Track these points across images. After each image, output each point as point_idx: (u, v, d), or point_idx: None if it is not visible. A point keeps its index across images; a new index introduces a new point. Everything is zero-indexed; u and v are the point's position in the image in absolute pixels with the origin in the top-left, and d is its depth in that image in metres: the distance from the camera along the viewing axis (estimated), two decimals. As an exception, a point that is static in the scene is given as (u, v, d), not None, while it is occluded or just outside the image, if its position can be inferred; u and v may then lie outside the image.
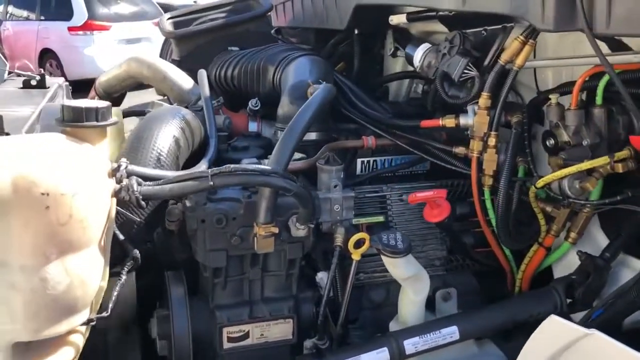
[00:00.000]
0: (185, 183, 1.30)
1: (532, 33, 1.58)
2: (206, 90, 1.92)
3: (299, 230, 1.51)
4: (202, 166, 1.53)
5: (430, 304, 1.76)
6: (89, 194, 1.19)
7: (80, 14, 9.69)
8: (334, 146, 1.85)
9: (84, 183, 1.18)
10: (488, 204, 1.76)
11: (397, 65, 2.63)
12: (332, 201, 1.62)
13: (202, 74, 2.00)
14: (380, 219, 1.86)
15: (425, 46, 1.95)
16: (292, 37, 3.25)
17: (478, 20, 1.82)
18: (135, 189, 1.25)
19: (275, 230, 1.43)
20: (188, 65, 2.67)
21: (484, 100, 1.68)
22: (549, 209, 1.71)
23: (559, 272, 1.86)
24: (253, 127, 2.31)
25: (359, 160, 1.94)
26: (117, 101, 2.64)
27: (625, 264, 1.71)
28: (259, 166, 1.35)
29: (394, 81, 2.65)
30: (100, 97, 2.56)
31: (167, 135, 1.51)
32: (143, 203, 1.27)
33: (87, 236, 1.20)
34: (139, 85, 2.56)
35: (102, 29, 9.77)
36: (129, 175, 1.29)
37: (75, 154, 1.22)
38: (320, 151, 1.78)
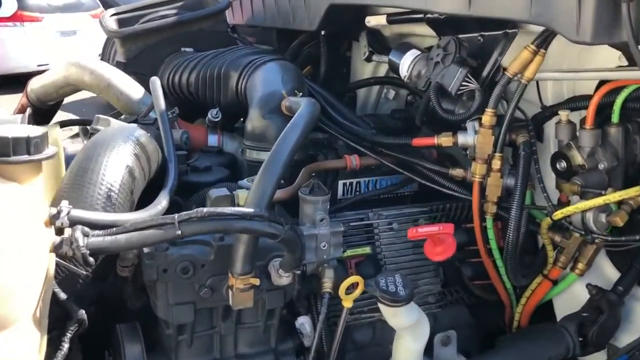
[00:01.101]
0: (146, 232, 1.03)
1: (544, 41, 1.38)
2: (161, 103, 1.63)
3: (282, 278, 1.26)
4: (162, 201, 1.26)
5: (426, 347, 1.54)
6: (18, 254, 0.90)
7: (9, 3, 8.98)
8: (315, 168, 1.60)
9: (12, 240, 0.90)
10: (490, 234, 1.56)
11: (366, 69, 2.41)
12: (319, 238, 1.37)
13: (156, 82, 1.71)
14: (367, 250, 1.62)
15: (413, 53, 1.72)
16: (250, 36, 2.97)
17: (474, 24, 1.61)
18: (81, 242, 0.97)
19: (256, 282, 1.17)
20: (135, 68, 2.36)
21: (488, 117, 1.47)
22: (557, 238, 1.52)
23: (560, 304, 1.68)
24: (213, 140, 2.04)
25: (340, 182, 1.70)
26: (52, 110, 2.30)
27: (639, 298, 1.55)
28: (239, 209, 1.09)
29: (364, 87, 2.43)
30: (33, 105, 2.21)
31: (118, 165, 1.22)
32: (91, 259, 0.99)
33: (16, 310, 0.92)
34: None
35: (33, 20, 9.11)
36: (73, 223, 1.01)
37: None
38: (301, 175, 1.53)
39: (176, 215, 1.03)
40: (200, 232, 1.06)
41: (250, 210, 1.09)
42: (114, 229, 1.04)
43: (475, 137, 1.53)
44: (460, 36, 1.64)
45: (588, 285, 1.51)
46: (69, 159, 1.73)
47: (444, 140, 1.56)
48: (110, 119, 1.60)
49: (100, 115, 1.59)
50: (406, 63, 1.71)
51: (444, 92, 1.58)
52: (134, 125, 1.45)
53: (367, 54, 2.17)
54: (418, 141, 1.61)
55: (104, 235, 1.02)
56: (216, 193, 1.32)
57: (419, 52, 1.72)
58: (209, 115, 2.03)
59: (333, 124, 1.79)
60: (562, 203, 1.51)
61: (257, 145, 1.67)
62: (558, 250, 1.55)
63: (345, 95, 2.48)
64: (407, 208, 1.69)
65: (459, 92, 1.54)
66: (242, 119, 2.08)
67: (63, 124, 2.16)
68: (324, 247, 1.37)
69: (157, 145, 1.43)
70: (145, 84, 2.29)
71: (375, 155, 1.68)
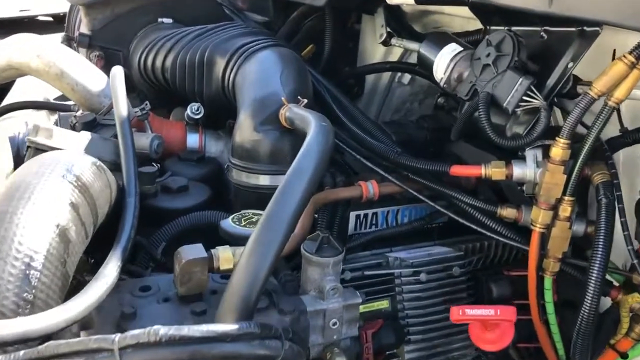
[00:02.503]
0: (69, 363, 0.66)
1: (648, 51, 1.00)
2: (123, 108, 1.24)
3: (277, 384, 0.90)
4: (108, 274, 0.88)
5: None
6: None
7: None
8: (321, 200, 1.23)
9: None
10: (548, 296, 1.20)
11: (378, 48, 2.02)
12: (328, 314, 1.01)
13: (116, 76, 1.31)
14: (385, 304, 1.27)
15: (452, 49, 1.32)
16: (242, 2, 2.53)
17: (534, 14, 1.22)
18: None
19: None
20: (102, 42, 1.95)
21: (560, 150, 1.09)
22: (636, 305, 1.17)
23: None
24: (193, 140, 1.65)
25: (352, 214, 1.33)
26: (-1, 92, 1.91)
27: None
28: (213, 328, 0.71)
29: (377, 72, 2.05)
30: (-25, 87, 1.82)
31: (44, 226, 0.84)
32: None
33: None
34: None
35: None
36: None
37: None
38: (304, 214, 1.15)
39: (117, 338, 0.66)
40: (154, 365, 0.69)
41: (232, 326, 0.72)
42: (21, 354, 0.67)
43: (537, 171, 1.16)
44: (514, 29, 1.25)
45: (668, 364, 1.18)
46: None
47: (495, 172, 1.19)
48: (54, 128, 1.20)
49: (40, 125, 1.19)
50: (443, 62, 1.32)
51: (493, 103, 1.20)
52: (76, 152, 1.06)
53: (384, 35, 1.77)
54: (458, 170, 1.23)
55: (4, 365, 0.65)
56: (188, 254, 0.94)
57: (459, 48, 1.32)
58: (189, 110, 1.63)
59: (345, 132, 1.41)
60: (644, 259, 1.15)
61: (247, 166, 1.29)
62: (633, 318, 1.20)
63: (351, 77, 2.11)
64: (437, 250, 1.32)
65: (517, 109, 1.16)
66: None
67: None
68: (334, 325, 1.01)
69: (108, 181, 1.04)
70: (113, 60, 1.89)
71: (399, 182, 1.31)
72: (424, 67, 1.41)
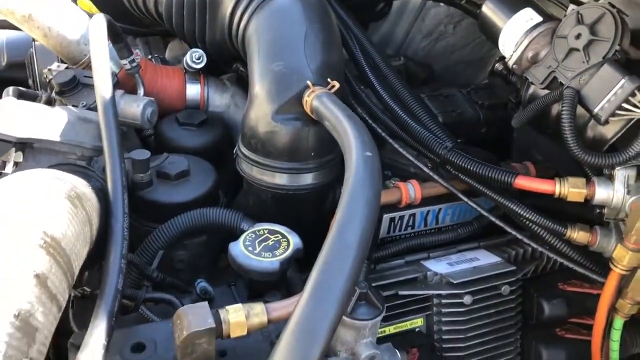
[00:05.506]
0: None
1: None
2: (106, 89, 0.97)
3: None
4: (97, 343, 0.68)
5: None
6: None
7: None
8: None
9: None
10: (616, 336, 1.02)
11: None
12: (362, 384, 0.82)
13: (97, 23, 1.03)
14: (419, 322, 1.10)
15: (528, 17, 1.02)
16: None
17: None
18: None
19: None
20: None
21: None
22: None
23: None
24: (194, 92, 1.40)
25: (386, 217, 1.11)
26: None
27: None
28: None
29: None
30: None
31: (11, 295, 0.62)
32: None
33: None
34: None
35: None
36: None
37: None
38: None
39: None
40: None
41: None
42: None
43: (627, 198, 0.92)
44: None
45: None
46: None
47: (573, 193, 0.95)
48: (12, 104, 0.94)
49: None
50: (515, 34, 1.03)
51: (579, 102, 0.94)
52: (51, 180, 0.79)
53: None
54: (525, 183, 0.99)
55: None
56: (190, 323, 0.74)
57: (538, 18, 1.02)
58: (188, 58, 1.35)
59: (389, 118, 1.15)
60: None
61: (260, 161, 1.04)
62: None
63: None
64: (483, 261, 1.12)
65: (612, 119, 0.90)
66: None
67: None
68: (368, 395, 0.83)
69: (87, 210, 0.80)
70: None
71: (444, 182, 1.07)
72: (487, 33, 1.12)
